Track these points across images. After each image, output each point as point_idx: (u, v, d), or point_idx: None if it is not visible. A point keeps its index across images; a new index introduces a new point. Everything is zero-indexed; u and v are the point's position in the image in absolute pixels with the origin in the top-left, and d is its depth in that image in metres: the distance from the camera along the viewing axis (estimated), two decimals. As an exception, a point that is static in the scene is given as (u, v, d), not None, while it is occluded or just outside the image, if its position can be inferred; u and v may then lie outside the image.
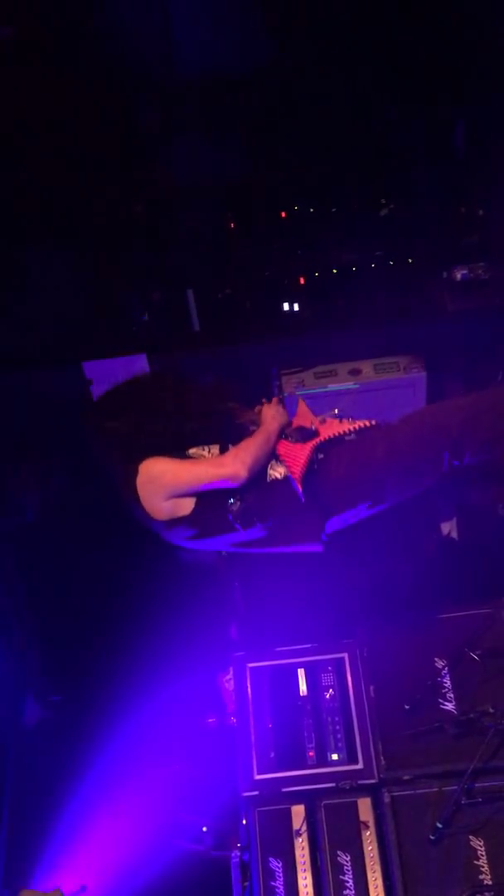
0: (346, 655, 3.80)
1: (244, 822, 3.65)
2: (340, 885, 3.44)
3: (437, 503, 4.45)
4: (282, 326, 3.66)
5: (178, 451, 3.16)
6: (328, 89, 3.47)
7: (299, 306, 3.65)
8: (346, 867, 3.46)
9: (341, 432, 3.23)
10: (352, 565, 4.28)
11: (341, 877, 3.45)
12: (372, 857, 3.47)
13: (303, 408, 3.43)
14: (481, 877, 3.34)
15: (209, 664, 4.20)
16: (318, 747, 3.69)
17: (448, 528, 4.40)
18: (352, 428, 3.25)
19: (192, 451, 3.19)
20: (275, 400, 3.38)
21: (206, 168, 3.74)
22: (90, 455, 3.28)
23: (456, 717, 3.63)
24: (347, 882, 3.44)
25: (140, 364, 3.59)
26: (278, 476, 3.15)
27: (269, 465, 3.21)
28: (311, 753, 3.68)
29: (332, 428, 3.25)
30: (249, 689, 3.79)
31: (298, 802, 3.61)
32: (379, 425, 3.29)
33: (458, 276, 3.58)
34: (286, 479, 3.15)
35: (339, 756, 3.65)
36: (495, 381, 3.93)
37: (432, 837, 3.41)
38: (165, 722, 4.08)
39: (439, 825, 3.40)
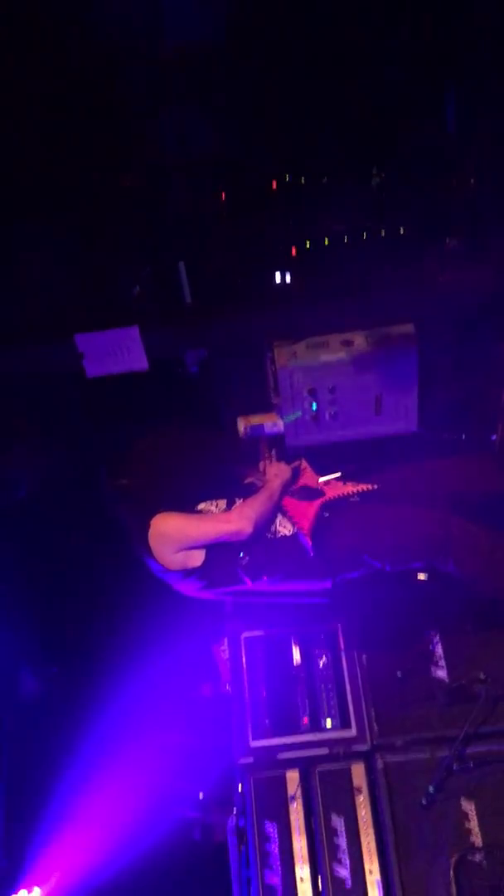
0: (339, 624, 3.84)
1: (240, 788, 3.71)
2: (334, 848, 3.51)
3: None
4: (274, 298, 3.65)
5: (188, 505, 3.33)
6: (318, 59, 3.44)
7: (291, 277, 3.64)
8: (339, 831, 3.53)
9: (346, 493, 3.42)
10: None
11: (335, 840, 3.52)
12: (365, 821, 3.54)
13: (307, 470, 3.60)
14: (472, 839, 3.42)
15: (204, 635, 4.24)
16: (311, 715, 3.74)
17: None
18: (355, 490, 3.43)
19: (201, 505, 3.36)
20: (281, 463, 3.58)
21: (195, 139, 3.71)
22: (105, 510, 3.46)
23: (447, 684, 3.68)
24: (341, 845, 3.51)
25: (132, 336, 3.59)
26: (287, 533, 3.32)
27: (278, 522, 3.39)
28: (305, 721, 3.73)
29: (337, 489, 3.44)
30: (244, 659, 3.84)
31: (293, 768, 3.67)
32: (379, 490, 3.48)
33: (450, 246, 3.58)
34: (294, 536, 3.31)
35: (332, 723, 3.71)
36: (487, 354, 3.94)
37: (424, 802, 3.48)
38: (161, 692, 4.12)
39: (431, 789, 3.47)
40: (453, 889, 3.33)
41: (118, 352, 3.65)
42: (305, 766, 3.68)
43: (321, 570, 3.39)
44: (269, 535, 3.35)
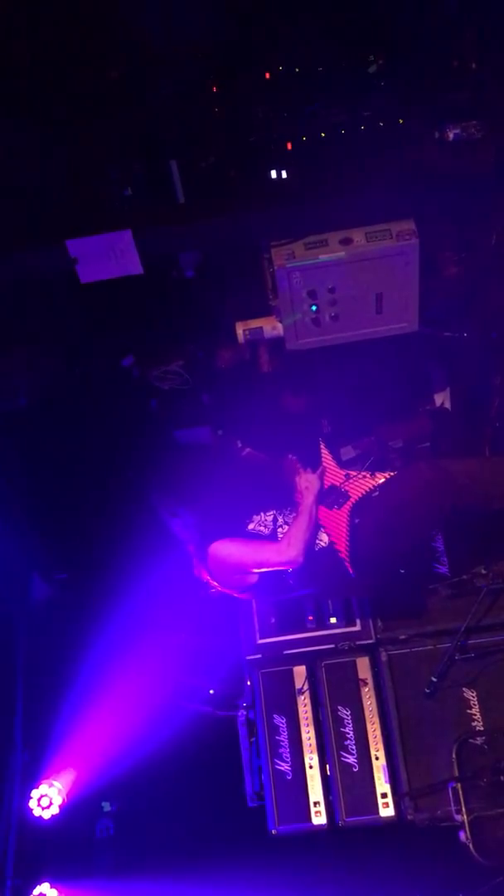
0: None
1: (248, 683, 3.83)
2: (341, 737, 3.65)
3: (430, 374, 4.45)
4: (270, 195, 3.53)
5: (240, 527, 3.47)
6: None
7: (287, 173, 3.51)
8: (346, 721, 3.67)
9: (367, 490, 3.50)
10: (343, 441, 4.34)
11: (342, 729, 3.66)
12: (371, 711, 3.67)
13: (328, 458, 3.66)
14: (473, 723, 3.55)
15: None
16: (316, 612, 3.83)
17: (441, 398, 4.42)
18: (375, 484, 3.51)
19: (251, 525, 3.49)
20: (308, 473, 3.60)
21: (184, 28, 3.52)
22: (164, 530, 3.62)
23: (449, 578, 3.75)
24: (348, 734, 3.65)
25: (125, 239, 3.50)
26: (323, 544, 3.41)
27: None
28: (310, 618, 3.82)
29: (359, 486, 3.52)
30: (249, 560, 3.88)
31: (300, 663, 3.78)
32: (395, 476, 3.55)
33: (451, 135, 3.43)
34: (330, 547, 3.40)
35: (337, 619, 3.80)
36: (489, 249, 3.85)
37: (427, 690, 3.60)
38: (170, 592, 4.19)
39: (434, 679, 3.59)
40: (455, 770, 3.48)
41: (111, 256, 3.56)
42: (312, 661, 3.79)
43: (361, 587, 3.60)
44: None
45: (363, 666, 3.75)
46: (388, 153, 3.50)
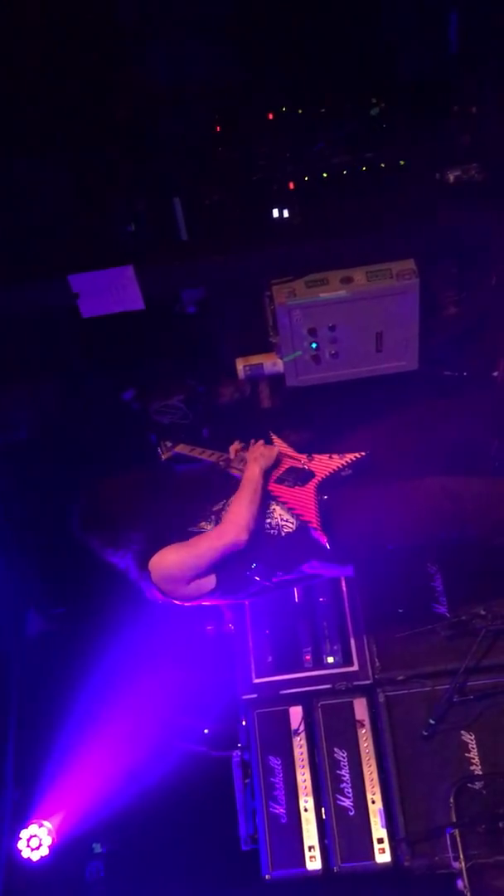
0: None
1: (244, 723, 3.78)
2: (337, 780, 3.59)
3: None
4: (272, 234, 3.57)
5: (181, 533, 3.14)
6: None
7: (289, 212, 3.55)
8: (342, 763, 3.61)
9: (336, 468, 3.23)
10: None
11: (338, 772, 3.60)
12: (368, 753, 3.61)
13: (283, 445, 3.38)
14: (472, 768, 3.49)
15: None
16: (314, 651, 3.79)
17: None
18: (343, 464, 3.24)
19: (193, 528, 3.18)
20: (258, 445, 3.31)
21: (189, 69, 3.59)
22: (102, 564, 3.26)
23: (448, 619, 3.72)
24: (344, 776, 3.59)
25: (127, 275, 3.52)
26: (291, 528, 3.12)
27: (279, 517, 3.17)
28: (307, 657, 3.78)
29: (326, 466, 3.24)
30: (246, 598, 3.86)
31: (296, 704, 3.73)
32: (369, 457, 3.28)
33: (451, 177, 3.47)
34: (301, 529, 3.10)
35: (334, 659, 3.75)
36: (489, 289, 3.88)
37: (425, 733, 3.54)
38: (165, 631, 4.16)
39: (432, 721, 3.53)
40: (453, 815, 3.41)
41: (113, 291, 3.59)
42: (308, 701, 3.74)
43: (341, 558, 3.24)
44: (273, 533, 3.15)
45: (360, 707, 3.70)
46: (389, 194, 3.55)
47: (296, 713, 3.73)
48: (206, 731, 4.10)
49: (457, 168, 3.51)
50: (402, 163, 3.56)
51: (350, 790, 3.57)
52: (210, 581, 3.09)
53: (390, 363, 3.86)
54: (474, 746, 3.52)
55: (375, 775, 3.57)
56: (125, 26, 3.58)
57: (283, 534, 3.12)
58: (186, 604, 3.16)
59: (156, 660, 4.25)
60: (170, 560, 3.05)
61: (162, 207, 3.59)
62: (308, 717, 3.71)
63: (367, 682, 3.71)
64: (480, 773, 3.49)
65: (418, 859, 3.44)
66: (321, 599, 3.87)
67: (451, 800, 3.43)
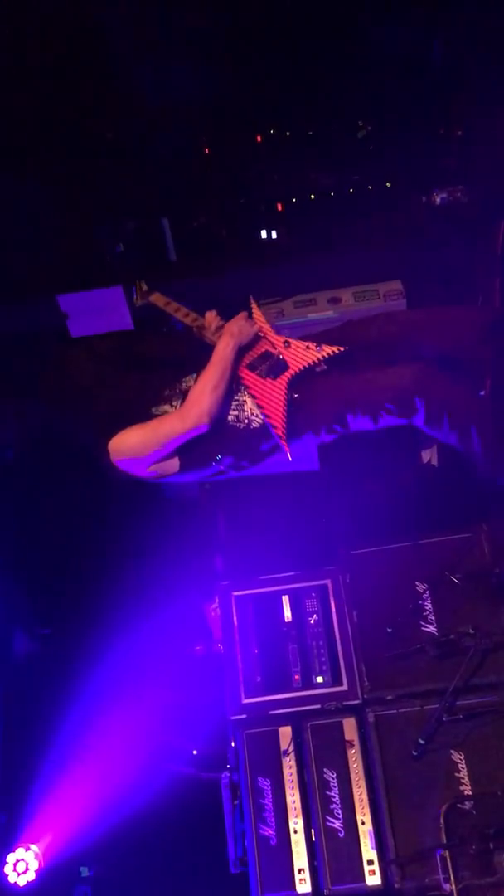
0: (329, 582, 3.86)
1: (233, 744, 3.75)
2: (327, 801, 3.56)
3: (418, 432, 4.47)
4: (260, 254, 3.60)
5: (141, 414, 2.99)
6: (303, 7, 3.34)
7: (277, 234, 3.59)
8: (332, 784, 3.58)
9: (312, 362, 3.04)
10: (333, 494, 4.32)
11: (328, 793, 3.57)
12: (357, 774, 3.59)
13: (261, 319, 3.16)
14: (462, 788, 3.47)
15: (195, 594, 4.26)
16: (303, 671, 3.77)
17: (428, 455, 4.43)
18: (320, 357, 3.04)
19: (156, 409, 3.02)
20: (237, 319, 3.10)
21: (177, 92, 3.62)
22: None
23: (437, 638, 3.71)
24: (334, 797, 3.56)
25: (116, 296, 3.53)
26: (258, 424, 2.98)
27: (248, 410, 3.05)
28: (296, 677, 3.76)
29: (300, 357, 3.05)
30: (235, 617, 3.85)
31: (285, 724, 3.70)
32: (346, 352, 3.09)
33: (438, 199, 3.52)
34: (263, 426, 2.97)
35: (323, 679, 3.73)
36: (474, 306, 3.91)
37: (415, 753, 3.53)
38: (153, 651, 4.14)
39: (421, 741, 3.51)
40: (443, 836, 3.39)
41: (102, 312, 3.60)
42: (297, 722, 3.71)
43: (304, 460, 3.10)
44: (241, 426, 2.99)
45: (350, 727, 3.68)
46: (376, 215, 3.59)
47: (285, 734, 3.70)
48: (194, 752, 4.08)
49: (443, 190, 3.56)
50: (388, 185, 3.60)
51: (340, 811, 3.54)
52: (173, 464, 2.98)
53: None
54: (464, 766, 3.50)
55: (365, 796, 3.55)
56: (115, 47, 3.61)
57: (252, 427, 2.97)
58: (150, 480, 3.04)
59: (143, 680, 4.22)
60: (131, 442, 2.92)
61: (151, 228, 3.61)
62: (297, 738, 3.69)
63: (357, 701, 3.69)
64: (470, 793, 3.47)
65: (409, 881, 3.41)
66: (310, 619, 3.86)
67: (441, 820, 3.42)
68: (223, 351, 2.98)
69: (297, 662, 3.78)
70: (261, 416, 2.98)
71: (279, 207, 3.57)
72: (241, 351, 3.07)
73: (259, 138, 3.61)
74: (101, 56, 3.48)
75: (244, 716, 3.72)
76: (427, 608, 3.81)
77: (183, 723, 4.15)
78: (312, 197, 3.57)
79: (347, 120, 3.53)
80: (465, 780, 3.48)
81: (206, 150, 3.64)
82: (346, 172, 3.55)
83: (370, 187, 3.58)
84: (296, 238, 3.56)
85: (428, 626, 3.78)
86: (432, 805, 3.45)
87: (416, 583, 3.89)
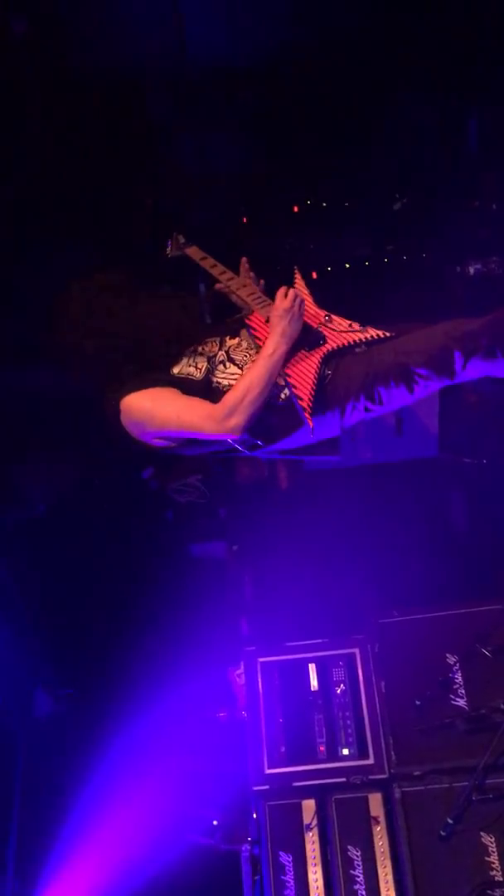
0: (357, 651, 3.80)
1: (255, 816, 3.66)
2: (351, 880, 3.45)
3: (448, 495, 4.45)
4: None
5: (163, 371, 2.69)
6: (341, 84, 3.44)
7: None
8: (356, 862, 3.47)
9: (352, 341, 2.77)
10: (362, 560, 4.29)
11: (352, 871, 3.46)
12: (382, 853, 3.48)
13: (306, 294, 2.89)
14: (492, 873, 3.35)
15: (220, 659, 4.21)
16: (328, 742, 3.69)
17: (459, 520, 4.40)
18: (363, 338, 2.78)
19: (176, 370, 2.74)
20: (291, 292, 2.74)
21: (217, 161, 3.72)
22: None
23: (467, 712, 3.62)
24: (358, 877, 3.45)
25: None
26: (282, 397, 2.67)
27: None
28: (321, 748, 3.68)
29: (342, 335, 2.79)
30: (260, 684, 3.80)
31: (309, 797, 3.61)
32: (392, 338, 2.82)
33: (472, 270, 3.56)
34: (289, 402, 2.65)
35: (349, 751, 3.65)
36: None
37: (443, 833, 3.42)
38: (176, 716, 4.08)
39: (450, 821, 3.41)
40: (472, 924, 3.27)
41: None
42: (322, 795, 3.62)
43: (322, 455, 2.85)
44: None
45: (375, 803, 3.58)
46: (410, 285, 3.63)
47: (308, 807, 3.61)
48: (215, 822, 3.98)
49: (477, 261, 3.60)
50: (423, 255, 3.65)
51: (364, 892, 3.42)
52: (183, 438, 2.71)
53: (410, 448, 3.89)
54: (494, 850, 3.38)
55: (391, 877, 3.42)
56: (155, 120, 3.73)
57: (272, 403, 2.65)
58: (147, 444, 2.78)
59: (165, 745, 4.15)
60: (147, 412, 2.62)
61: (187, 294, 3.66)
62: (321, 812, 3.59)
63: (383, 776, 3.60)
64: (501, 878, 3.35)
65: None
66: (337, 689, 3.79)
67: (470, 906, 3.30)
68: (274, 355, 2.65)
69: (323, 733, 3.71)
70: (286, 393, 2.68)
71: (314, 276, 3.63)
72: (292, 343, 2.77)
73: (296, 209, 3.69)
74: (144, 129, 3.59)
75: (267, 786, 3.64)
76: (457, 681, 3.73)
77: (203, 791, 4.06)
78: (347, 266, 3.63)
79: (383, 192, 3.60)
80: (496, 864, 3.36)
81: (244, 220, 3.72)
82: (381, 243, 3.61)
83: (405, 258, 3.63)
84: (330, 306, 3.60)
85: (458, 699, 3.70)
86: (460, 889, 3.33)
87: (447, 654, 3.82)
